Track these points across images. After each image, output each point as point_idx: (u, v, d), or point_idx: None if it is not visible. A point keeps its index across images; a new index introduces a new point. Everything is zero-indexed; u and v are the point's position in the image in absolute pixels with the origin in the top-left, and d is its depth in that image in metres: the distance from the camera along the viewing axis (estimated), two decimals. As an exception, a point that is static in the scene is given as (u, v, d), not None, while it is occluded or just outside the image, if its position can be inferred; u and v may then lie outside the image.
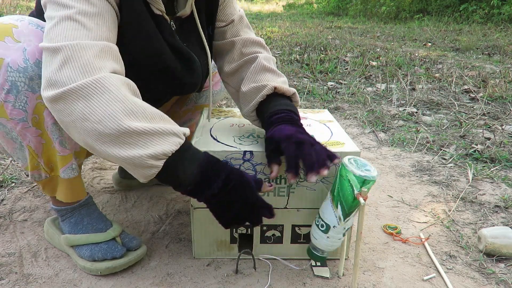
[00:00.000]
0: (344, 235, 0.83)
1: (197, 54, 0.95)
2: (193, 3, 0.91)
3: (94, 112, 0.65)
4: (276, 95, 0.91)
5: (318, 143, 0.80)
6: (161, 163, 0.69)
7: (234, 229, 0.94)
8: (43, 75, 0.68)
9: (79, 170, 0.92)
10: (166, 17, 0.86)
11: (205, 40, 0.96)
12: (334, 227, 0.80)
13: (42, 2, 0.75)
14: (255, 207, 0.77)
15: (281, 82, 0.94)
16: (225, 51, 1.03)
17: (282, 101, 0.90)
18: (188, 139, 0.77)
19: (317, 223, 0.83)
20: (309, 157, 0.75)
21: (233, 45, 1.00)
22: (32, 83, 0.77)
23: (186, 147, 0.73)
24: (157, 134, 0.68)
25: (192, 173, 0.72)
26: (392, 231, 1.10)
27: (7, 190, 1.28)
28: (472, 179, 1.41)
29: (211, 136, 0.96)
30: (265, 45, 1.04)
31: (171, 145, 0.69)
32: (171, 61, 0.89)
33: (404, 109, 2.22)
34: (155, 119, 0.70)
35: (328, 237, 0.82)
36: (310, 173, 0.74)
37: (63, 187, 0.91)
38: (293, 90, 0.93)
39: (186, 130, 0.74)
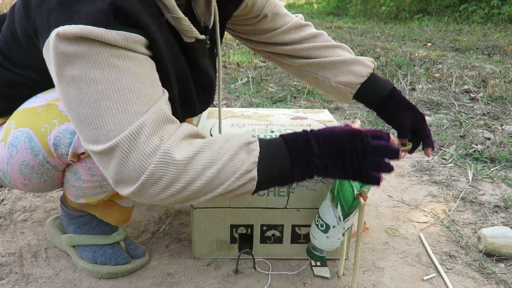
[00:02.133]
0: (343, 235, 0.83)
1: (212, 73, 0.86)
2: (216, 7, 0.79)
3: (175, 188, 0.61)
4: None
5: None
6: (254, 173, 0.63)
7: (234, 229, 0.94)
8: (107, 176, 0.62)
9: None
10: (201, 37, 0.76)
11: (220, 61, 0.89)
12: (333, 227, 0.80)
13: (54, 62, 0.58)
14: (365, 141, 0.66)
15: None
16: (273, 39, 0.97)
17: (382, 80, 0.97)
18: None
19: (317, 223, 0.83)
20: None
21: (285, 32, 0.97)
22: None
23: (263, 142, 0.66)
24: (236, 156, 0.62)
25: (284, 156, 0.65)
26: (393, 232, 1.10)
27: (7, 190, 1.28)
28: (472, 179, 1.41)
29: (211, 136, 0.96)
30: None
31: (251, 154, 0.63)
32: (192, 90, 0.80)
33: (404, 109, 2.22)
34: (224, 147, 0.63)
35: (327, 237, 0.82)
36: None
37: (117, 212, 0.92)
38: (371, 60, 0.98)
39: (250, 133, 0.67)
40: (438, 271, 0.95)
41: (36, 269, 0.93)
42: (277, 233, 0.95)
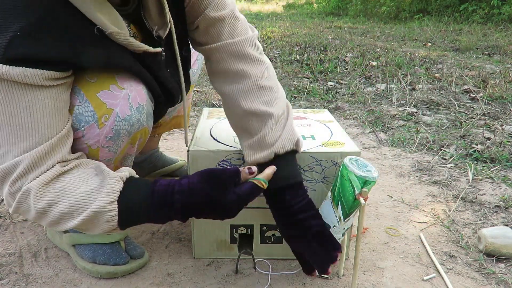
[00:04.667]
0: (343, 235, 0.83)
1: (176, 77, 0.89)
2: (170, 16, 0.79)
3: (44, 222, 0.68)
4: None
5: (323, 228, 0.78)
6: (114, 206, 0.66)
7: (234, 229, 0.94)
8: None
9: None
10: (153, 50, 0.76)
11: (180, 69, 0.87)
12: (334, 227, 0.80)
13: None
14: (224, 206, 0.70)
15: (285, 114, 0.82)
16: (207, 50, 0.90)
17: (290, 169, 0.79)
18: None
19: None
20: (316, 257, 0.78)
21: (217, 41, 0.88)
22: (132, 128, 0.77)
23: (127, 185, 0.69)
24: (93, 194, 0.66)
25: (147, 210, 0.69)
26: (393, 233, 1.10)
27: (7, 190, 1.28)
28: (472, 179, 1.41)
29: (211, 136, 0.96)
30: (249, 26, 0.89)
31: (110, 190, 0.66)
32: (159, 97, 0.84)
33: (404, 109, 2.22)
34: (82, 202, 0.66)
35: None
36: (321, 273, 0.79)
37: None
38: (297, 137, 0.80)
39: (123, 173, 0.70)
40: (438, 271, 0.95)
41: (36, 269, 0.93)
42: (277, 233, 0.95)
